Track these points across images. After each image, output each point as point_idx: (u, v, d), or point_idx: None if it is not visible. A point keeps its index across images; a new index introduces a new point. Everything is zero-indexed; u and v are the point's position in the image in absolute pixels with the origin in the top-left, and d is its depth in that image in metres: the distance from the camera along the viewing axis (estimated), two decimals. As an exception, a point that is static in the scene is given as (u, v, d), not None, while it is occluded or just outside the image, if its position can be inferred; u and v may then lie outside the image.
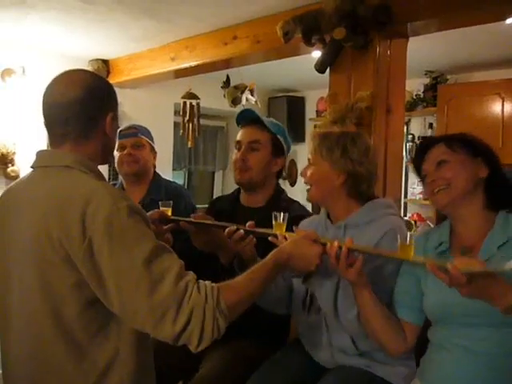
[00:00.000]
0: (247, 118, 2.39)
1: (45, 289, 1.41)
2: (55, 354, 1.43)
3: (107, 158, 1.64)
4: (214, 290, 1.39)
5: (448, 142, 1.71)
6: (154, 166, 2.95)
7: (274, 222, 1.85)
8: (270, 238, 1.81)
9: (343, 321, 1.85)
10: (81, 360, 1.42)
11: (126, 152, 2.79)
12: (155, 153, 2.94)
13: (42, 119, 1.55)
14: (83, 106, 1.50)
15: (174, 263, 1.39)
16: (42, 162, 1.55)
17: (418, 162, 1.79)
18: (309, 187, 1.98)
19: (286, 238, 1.74)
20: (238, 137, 2.39)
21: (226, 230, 1.93)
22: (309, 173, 1.97)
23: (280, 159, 2.40)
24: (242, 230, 1.91)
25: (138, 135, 2.83)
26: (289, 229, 1.86)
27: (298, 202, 2.46)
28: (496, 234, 1.60)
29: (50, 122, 1.54)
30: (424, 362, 1.76)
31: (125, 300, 1.35)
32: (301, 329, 2.11)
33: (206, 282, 1.42)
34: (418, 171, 1.79)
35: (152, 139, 2.92)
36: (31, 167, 1.58)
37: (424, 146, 1.78)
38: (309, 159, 1.99)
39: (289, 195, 2.52)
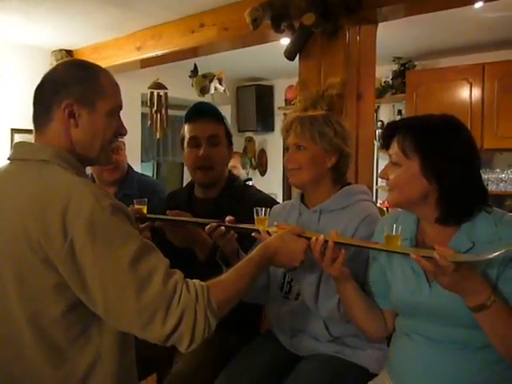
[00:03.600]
0: (205, 111, 2.27)
1: (22, 291, 1.35)
2: (33, 359, 1.37)
3: (88, 157, 1.49)
4: (203, 289, 1.35)
5: (403, 140, 1.56)
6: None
7: (255, 217, 1.83)
8: (253, 234, 1.78)
9: (322, 310, 1.85)
10: (60, 364, 1.36)
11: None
12: (124, 150, 2.84)
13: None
14: (40, 91, 1.44)
15: (160, 262, 1.34)
16: (19, 154, 1.47)
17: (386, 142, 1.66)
18: (294, 172, 1.94)
19: (269, 233, 1.72)
20: (192, 132, 2.25)
21: (207, 227, 1.88)
22: (301, 158, 1.92)
23: (231, 150, 2.31)
24: (222, 227, 1.86)
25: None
26: (249, 215, 1.84)
27: (253, 187, 2.42)
28: (460, 238, 1.53)
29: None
30: (390, 349, 1.78)
31: (111, 302, 1.29)
32: (274, 316, 2.09)
33: (194, 280, 1.38)
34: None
35: None
36: (8, 159, 1.49)
37: (389, 133, 1.64)
38: (297, 145, 1.92)
39: (258, 185, 2.48)
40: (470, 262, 1.41)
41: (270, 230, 1.73)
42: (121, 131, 1.54)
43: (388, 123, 1.71)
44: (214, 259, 1.97)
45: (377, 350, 1.91)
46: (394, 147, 1.58)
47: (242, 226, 1.86)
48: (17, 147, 1.49)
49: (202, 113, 2.26)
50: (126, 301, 1.28)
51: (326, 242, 1.64)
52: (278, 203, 2.22)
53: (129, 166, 2.86)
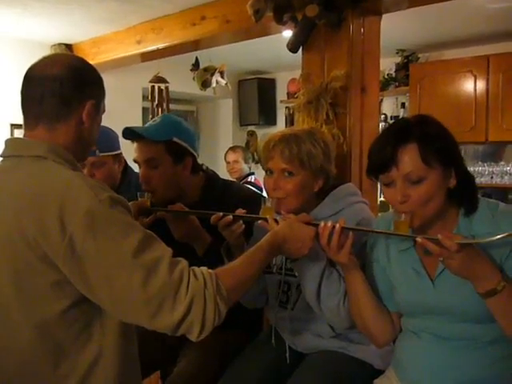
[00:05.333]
0: (132, 137, 2.16)
1: (20, 289, 1.32)
2: (33, 357, 1.35)
3: (82, 154, 1.51)
4: (212, 276, 1.34)
5: (422, 150, 1.47)
6: (125, 163, 2.72)
7: (262, 206, 1.80)
8: (260, 222, 1.76)
9: (324, 308, 1.80)
10: (61, 362, 1.34)
11: (86, 172, 2.47)
12: (120, 159, 2.66)
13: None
14: (61, 84, 1.40)
15: (164, 251, 1.32)
16: (12, 150, 1.44)
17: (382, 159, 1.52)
18: (281, 201, 1.82)
19: (276, 221, 1.69)
20: (135, 153, 2.17)
21: (213, 217, 1.85)
22: (288, 185, 1.82)
23: (186, 159, 2.16)
24: (230, 216, 1.84)
25: (97, 154, 2.51)
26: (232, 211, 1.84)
27: (235, 184, 2.36)
28: (460, 233, 1.50)
29: (25, 100, 1.44)
30: (397, 348, 1.75)
31: (117, 295, 1.27)
32: (274, 321, 2.07)
33: (202, 267, 1.36)
34: (377, 170, 1.55)
35: (114, 147, 2.62)
36: (0, 156, 1.46)
37: (389, 147, 1.50)
38: (285, 170, 1.82)
39: (261, 179, 2.41)
40: (473, 242, 1.41)
41: (277, 218, 1.71)
42: None
43: (388, 135, 1.57)
44: (211, 256, 1.94)
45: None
46: (408, 162, 1.47)
47: (249, 215, 1.85)
48: (9, 144, 1.46)
49: (136, 136, 2.14)
50: (132, 292, 1.26)
51: (333, 227, 1.61)
52: (265, 198, 2.08)
53: (125, 170, 2.72)
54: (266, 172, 1.89)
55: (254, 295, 2.02)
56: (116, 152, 2.61)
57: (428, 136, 1.48)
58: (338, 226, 1.60)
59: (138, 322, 1.31)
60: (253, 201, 1.99)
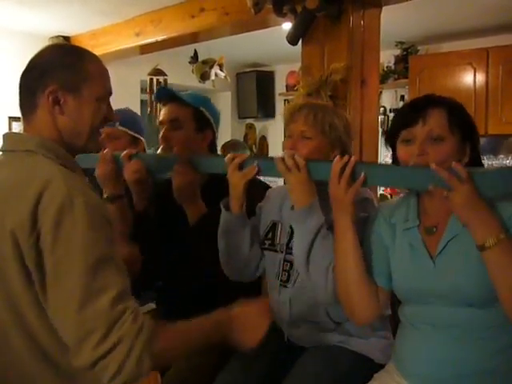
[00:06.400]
0: (165, 97, 2.26)
1: (6, 291, 1.27)
2: (25, 363, 1.29)
3: (76, 145, 1.43)
4: (150, 328, 1.25)
5: (450, 115, 1.56)
6: None
7: None
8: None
9: (312, 270, 1.76)
10: (52, 368, 1.29)
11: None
12: (137, 145, 2.61)
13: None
14: (25, 74, 1.40)
15: (118, 282, 1.24)
16: (7, 145, 1.42)
17: (405, 119, 1.60)
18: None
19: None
20: (160, 116, 2.26)
21: (228, 155, 1.89)
22: (305, 149, 1.82)
23: (207, 132, 2.24)
24: (246, 154, 1.92)
25: (116, 126, 2.52)
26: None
27: None
28: None
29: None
30: (396, 341, 1.74)
31: (57, 306, 1.21)
32: (274, 304, 2.03)
33: (146, 316, 1.28)
34: (403, 124, 1.61)
35: (135, 127, 2.62)
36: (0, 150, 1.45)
37: (420, 105, 1.59)
38: (304, 133, 1.84)
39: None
40: (483, 170, 1.52)
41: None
42: (110, 117, 1.49)
43: (419, 98, 1.64)
44: (201, 228, 2.02)
45: (382, 338, 1.89)
46: (434, 121, 1.54)
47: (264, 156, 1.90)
48: (5, 138, 1.44)
49: (164, 97, 2.26)
50: (68, 308, 1.19)
51: (348, 161, 1.62)
52: (270, 187, 2.19)
53: None
54: (286, 137, 1.91)
55: (238, 268, 2.01)
56: (135, 134, 2.60)
57: (457, 107, 1.58)
58: (352, 159, 1.61)
59: (67, 342, 1.23)
60: (260, 187, 2.07)
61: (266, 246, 2.00)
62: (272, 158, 1.81)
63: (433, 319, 1.57)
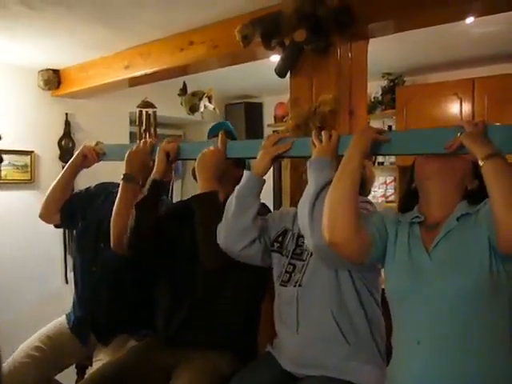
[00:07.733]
0: (219, 130, 2.41)
1: None
2: None
3: None
4: None
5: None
6: None
7: None
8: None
9: (316, 212, 1.83)
10: None
11: None
12: None
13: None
14: None
15: None
16: None
17: None
18: None
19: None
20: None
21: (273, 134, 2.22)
22: None
23: (239, 168, 2.41)
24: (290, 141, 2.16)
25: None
26: None
27: None
28: (457, 211, 1.68)
29: None
30: (389, 368, 1.75)
31: None
32: (277, 310, 2.15)
33: None
34: None
35: None
36: None
37: None
38: None
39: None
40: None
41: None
42: None
43: None
44: (207, 197, 2.18)
45: (377, 368, 1.92)
46: None
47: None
48: None
49: (218, 130, 2.43)
50: None
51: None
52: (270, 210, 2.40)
53: None
54: None
55: (237, 230, 2.09)
56: None
57: None
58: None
59: None
60: (264, 207, 2.27)
61: (275, 248, 2.15)
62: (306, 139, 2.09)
63: (424, 324, 1.59)
